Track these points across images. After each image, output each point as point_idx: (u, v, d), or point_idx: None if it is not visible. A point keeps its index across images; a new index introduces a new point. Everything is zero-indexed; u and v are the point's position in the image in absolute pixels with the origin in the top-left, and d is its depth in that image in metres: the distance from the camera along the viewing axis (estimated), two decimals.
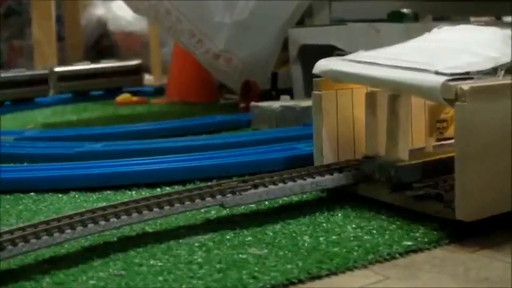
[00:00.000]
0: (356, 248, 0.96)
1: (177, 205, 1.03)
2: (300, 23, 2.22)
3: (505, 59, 1.07)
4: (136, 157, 1.43)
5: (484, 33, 1.19)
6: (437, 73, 1.02)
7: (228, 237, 1.03)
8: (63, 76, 2.66)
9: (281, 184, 1.12)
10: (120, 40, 3.65)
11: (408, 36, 1.28)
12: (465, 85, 0.98)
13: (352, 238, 1.01)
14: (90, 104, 2.60)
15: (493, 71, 1.05)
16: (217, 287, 0.85)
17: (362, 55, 1.20)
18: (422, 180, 1.11)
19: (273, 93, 2.13)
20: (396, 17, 1.84)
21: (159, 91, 2.77)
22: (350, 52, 1.24)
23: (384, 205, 1.11)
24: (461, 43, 1.14)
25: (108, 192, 1.30)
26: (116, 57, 3.63)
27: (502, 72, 1.05)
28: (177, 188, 1.26)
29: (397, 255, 0.95)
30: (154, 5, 2.13)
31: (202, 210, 1.13)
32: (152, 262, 0.94)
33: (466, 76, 1.02)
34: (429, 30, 1.28)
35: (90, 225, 0.96)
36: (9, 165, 1.46)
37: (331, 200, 1.18)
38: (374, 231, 1.03)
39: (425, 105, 1.18)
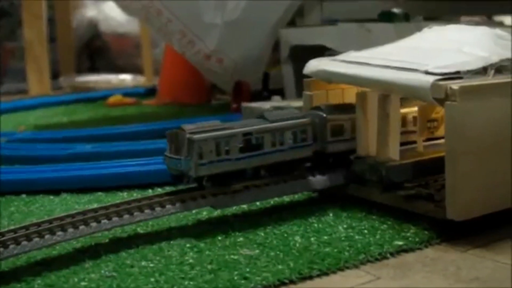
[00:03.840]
0: (348, 248, 0.97)
1: (168, 206, 1.04)
2: (291, 23, 2.22)
3: (495, 59, 1.07)
4: (128, 159, 1.43)
5: (474, 32, 1.19)
6: (427, 72, 1.02)
7: (219, 238, 1.03)
8: None
9: (272, 185, 1.12)
10: (112, 41, 3.64)
11: (399, 36, 1.29)
12: (455, 85, 0.98)
13: (343, 238, 1.01)
14: (81, 106, 2.60)
15: (483, 71, 1.05)
16: None
17: (352, 55, 1.20)
18: (413, 179, 1.11)
19: (264, 94, 2.13)
20: (387, 17, 1.85)
21: (150, 92, 2.76)
22: (341, 52, 1.24)
23: (375, 205, 1.12)
24: (451, 43, 1.14)
25: (100, 193, 1.30)
26: (108, 59, 3.63)
27: (492, 72, 1.05)
28: (169, 189, 1.26)
29: (388, 255, 0.96)
30: (145, 6, 2.13)
31: (194, 211, 1.12)
32: (143, 263, 0.94)
33: (456, 75, 1.02)
34: (419, 30, 1.28)
35: (82, 227, 0.96)
36: (0, 167, 1.45)
37: (322, 200, 1.19)
38: (365, 231, 1.03)
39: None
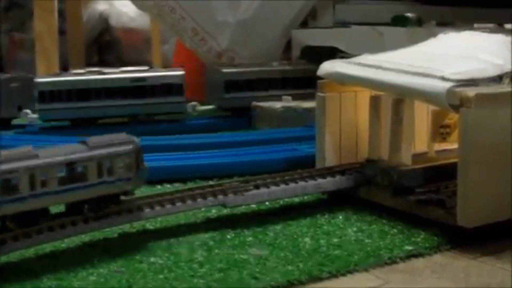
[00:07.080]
0: (357, 251, 0.97)
1: (178, 203, 1.03)
2: (304, 24, 2.22)
3: (510, 67, 1.07)
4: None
5: (489, 39, 1.18)
6: (443, 78, 1.02)
7: (229, 236, 1.03)
8: None
9: (283, 185, 1.12)
10: (122, 36, 3.64)
11: (411, 40, 1.28)
12: (471, 91, 0.98)
13: (353, 241, 1.01)
14: None
15: (498, 78, 1.05)
16: (218, 287, 0.85)
17: (367, 58, 1.19)
18: (424, 185, 1.11)
19: None
20: (399, 21, 1.84)
21: None
22: (353, 55, 1.24)
23: (386, 209, 1.11)
24: (467, 49, 1.14)
25: None
26: (117, 53, 3.63)
27: (508, 80, 1.05)
28: (178, 186, 1.26)
29: (398, 260, 0.95)
30: (158, 3, 2.13)
31: (203, 209, 1.12)
32: (152, 259, 0.94)
33: (471, 82, 1.02)
34: (432, 35, 1.28)
35: (92, 222, 0.96)
36: None
37: (332, 202, 1.18)
38: (375, 235, 1.03)
39: (428, 110, 1.18)
